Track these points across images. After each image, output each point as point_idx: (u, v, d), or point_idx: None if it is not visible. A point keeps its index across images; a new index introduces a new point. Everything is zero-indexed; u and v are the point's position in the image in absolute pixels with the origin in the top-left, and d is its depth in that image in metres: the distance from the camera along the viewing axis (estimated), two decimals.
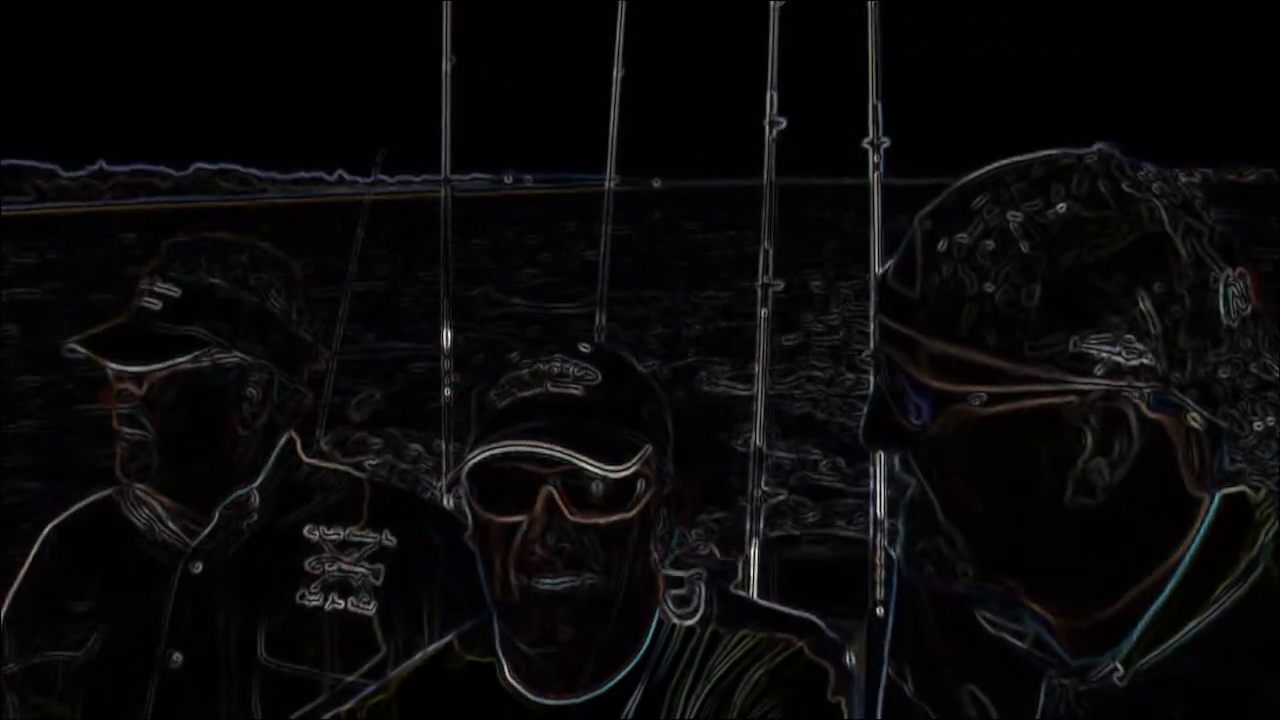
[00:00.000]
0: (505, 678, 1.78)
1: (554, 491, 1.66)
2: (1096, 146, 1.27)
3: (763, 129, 3.33)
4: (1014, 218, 1.21)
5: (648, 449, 1.72)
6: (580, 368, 1.73)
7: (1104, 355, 1.19)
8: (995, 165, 1.28)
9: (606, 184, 3.57)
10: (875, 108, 3.15)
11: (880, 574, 3.03)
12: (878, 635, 3.00)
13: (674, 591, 1.79)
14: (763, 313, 3.27)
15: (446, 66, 3.65)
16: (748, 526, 3.29)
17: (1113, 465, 1.22)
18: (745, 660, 1.72)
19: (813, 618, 1.79)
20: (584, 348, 1.77)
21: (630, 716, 1.73)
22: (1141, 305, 1.19)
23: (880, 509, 3.08)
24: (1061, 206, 1.22)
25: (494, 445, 1.67)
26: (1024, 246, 1.20)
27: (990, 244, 1.21)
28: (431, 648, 1.93)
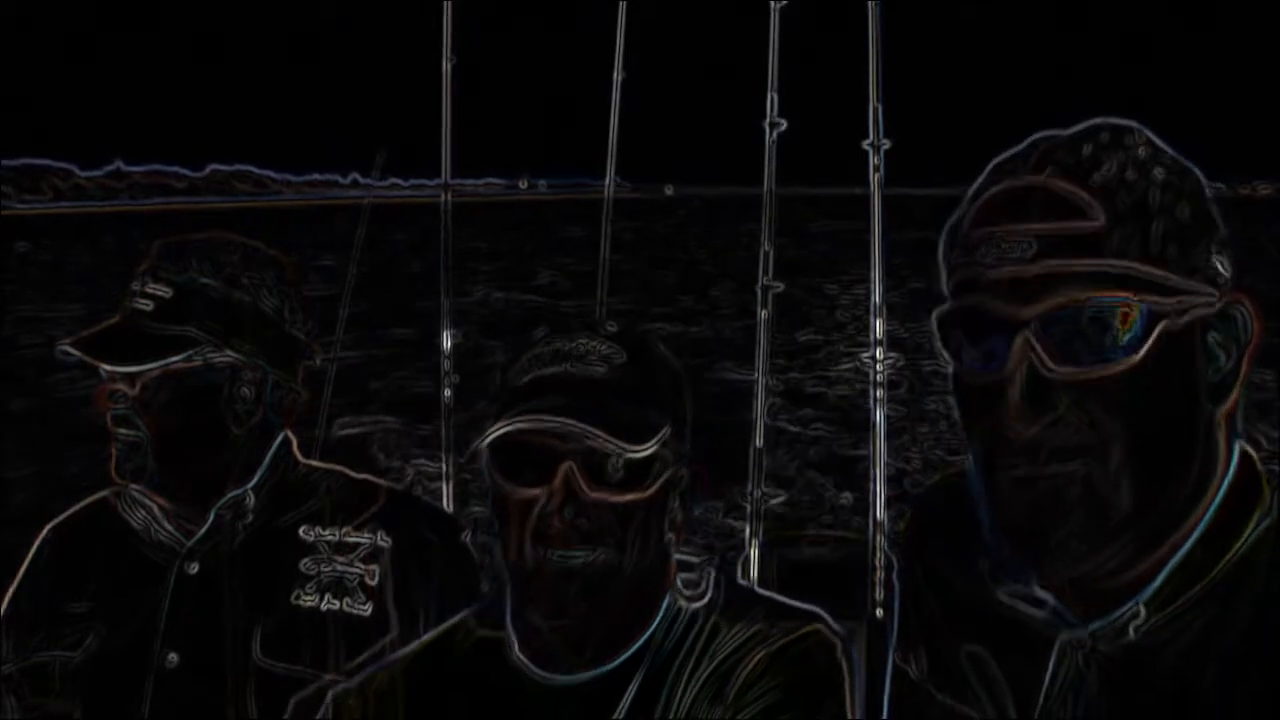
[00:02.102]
0: (513, 653, 1.80)
1: (573, 467, 1.68)
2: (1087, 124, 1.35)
3: (763, 131, 3.34)
4: (1131, 154, 1.30)
5: (666, 430, 1.74)
6: (605, 347, 1.76)
7: (1218, 265, 1.31)
8: (1036, 136, 1.35)
9: (607, 184, 3.58)
10: (875, 109, 3.16)
11: (880, 574, 3.04)
12: (878, 635, 3.00)
13: (684, 575, 1.82)
14: (762, 314, 3.27)
15: (446, 67, 3.66)
16: (748, 526, 3.29)
17: (1234, 371, 1.31)
18: (748, 644, 1.74)
19: (818, 610, 1.80)
20: (609, 328, 1.80)
21: (633, 695, 1.75)
22: (1220, 225, 1.32)
23: (880, 510, 3.08)
24: (1142, 151, 1.31)
25: (517, 419, 1.68)
26: (1157, 174, 1.29)
27: (1131, 174, 1.29)
28: (445, 624, 1.94)
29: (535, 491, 1.69)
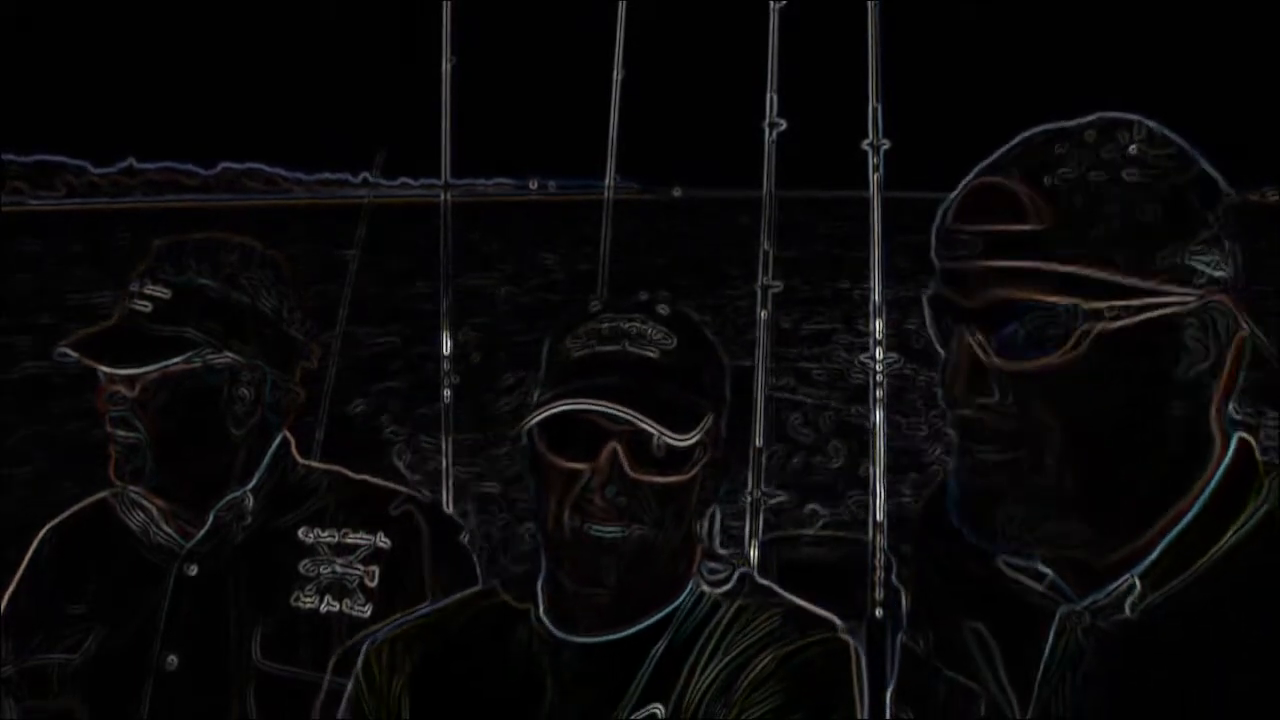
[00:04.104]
0: (537, 615, 1.84)
1: (619, 448, 1.72)
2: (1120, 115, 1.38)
3: (763, 131, 3.35)
4: (1106, 154, 1.32)
5: (709, 417, 1.78)
6: (658, 330, 1.79)
7: (1201, 267, 1.32)
8: (1029, 132, 1.38)
9: (607, 183, 3.59)
10: (875, 109, 3.17)
11: (880, 575, 3.04)
12: (878, 635, 3.00)
13: (710, 564, 1.85)
14: (762, 314, 3.27)
15: (446, 67, 3.68)
16: (747, 527, 3.30)
17: (1209, 373, 1.33)
18: (761, 641, 1.77)
19: (833, 617, 1.83)
20: (662, 310, 1.83)
21: (650, 669, 1.79)
22: (1214, 224, 1.33)
23: (879, 511, 3.08)
24: (1133, 148, 1.33)
25: (570, 400, 1.72)
26: (1127, 175, 1.31)
27: (1095, 175, 1.32)
28: (469, 590, 1.99)
29: (579, 466, 1.73)
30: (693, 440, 1.75)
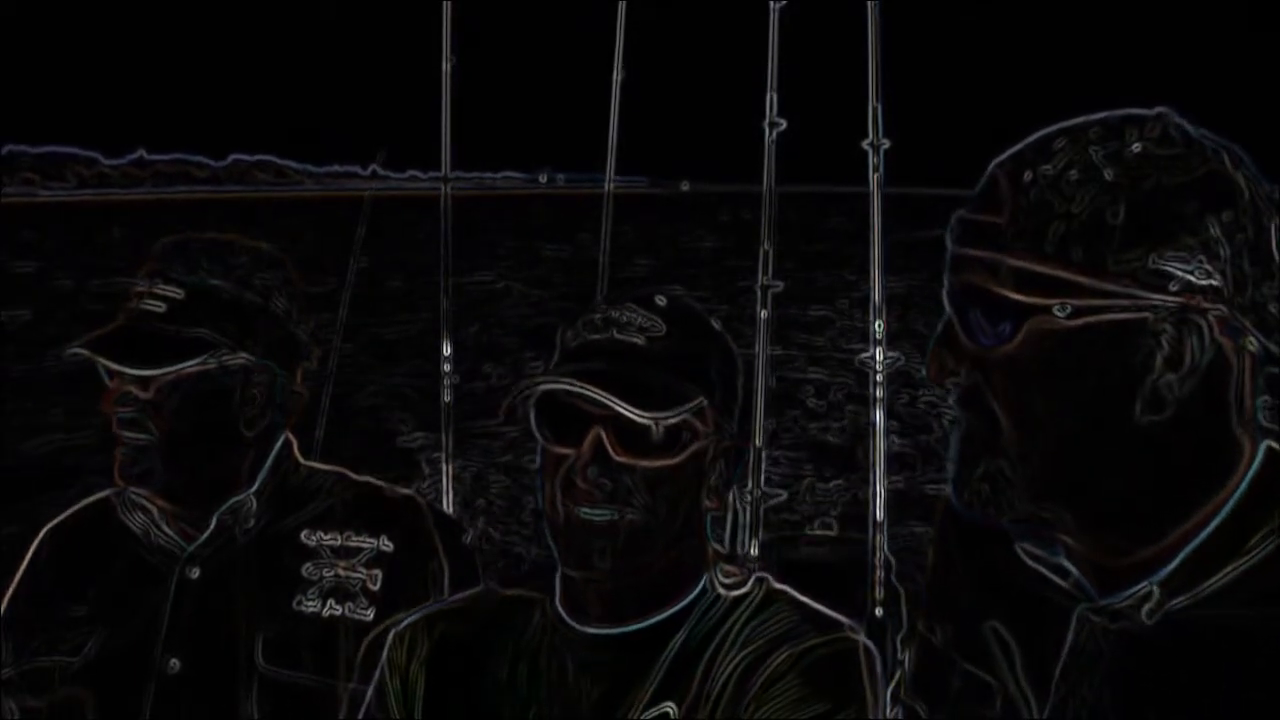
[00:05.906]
0: (551, 604, 1.88)
1: (602, 432, 1.76)
2: (1158, 109, 1.36)
3: (763, 131, 3.35)
4: (1095, 152, 1.31)
5: (700, 401, 1.80)
6: (647, 319, 1.83)
7: (1179, 272, 1.28)
8: (1058, 125, 1.37)
9: (607, 183, 3.60)
10: (875, 109, 3.17)
11: (880, 574, 3.04)
12: (878, 636, 3.02)
13: (727, 567, 1.88)
14: (762, 314, 3.27)
15: (446, 66, 3.69)
16: (747, 527, 3.30)
17: (1181, 381, 1.30)
18: (776, 641, 1.80)
19: (845, 619, 1.85)
20: (659, 300, 1.87)
21: (666, 666, 1.81)
22: (1212, 230, 1.29)
23: (879, 511, 3.08)
24: (1137, 146, 1.32)
25: (549, 381, 1.78)
26: (1107, 174, 1.30)
27: (1074, 173, 1.31)
28: (478, 588, 2.02)
29: (567, 450, 1.78)
30: (672, 421, 1.77)
